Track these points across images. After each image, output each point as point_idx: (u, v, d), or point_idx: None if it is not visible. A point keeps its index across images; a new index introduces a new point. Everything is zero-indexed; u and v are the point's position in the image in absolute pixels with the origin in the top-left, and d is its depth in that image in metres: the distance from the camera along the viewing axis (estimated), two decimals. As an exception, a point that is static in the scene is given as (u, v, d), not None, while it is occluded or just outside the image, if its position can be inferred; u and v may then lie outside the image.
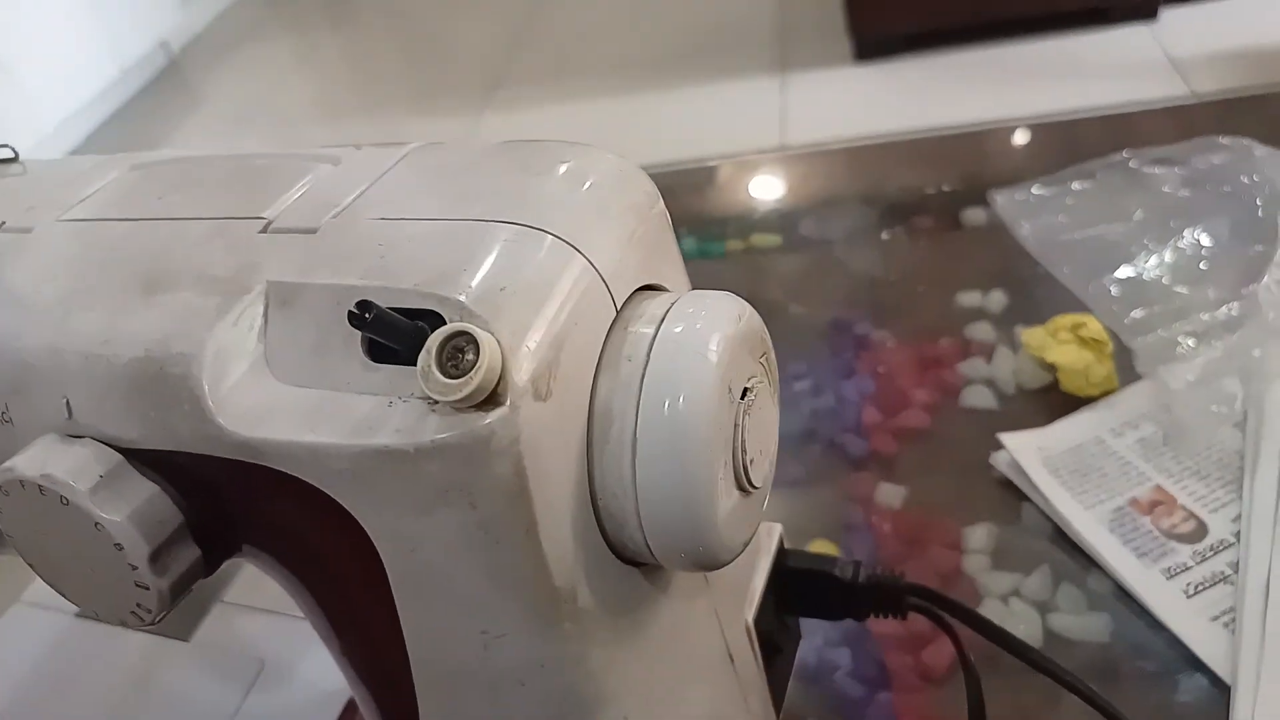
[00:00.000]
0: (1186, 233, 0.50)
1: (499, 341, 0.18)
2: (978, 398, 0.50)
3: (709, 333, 0.21)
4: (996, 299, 0.55)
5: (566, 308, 0.20)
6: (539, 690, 0.21)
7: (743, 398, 0.21)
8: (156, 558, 0.20)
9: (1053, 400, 0.48)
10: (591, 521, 0.21)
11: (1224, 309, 0.45)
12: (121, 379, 0.20)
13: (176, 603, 0.22)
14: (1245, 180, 0.51)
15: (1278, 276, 0.45)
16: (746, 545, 0.22)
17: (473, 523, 0.18)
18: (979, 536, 0.44)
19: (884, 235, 0.62)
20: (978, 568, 0.43)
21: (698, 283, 0.67)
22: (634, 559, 0.22)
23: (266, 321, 0.20)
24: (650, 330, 0.21)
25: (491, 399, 0.18)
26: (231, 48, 2.64)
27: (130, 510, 0.20)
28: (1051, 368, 0.48)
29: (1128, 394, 0.46)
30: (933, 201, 0.63)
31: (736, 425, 0.21)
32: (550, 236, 0.21)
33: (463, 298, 0.19)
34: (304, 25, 2.70)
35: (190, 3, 2.70)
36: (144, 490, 0.20)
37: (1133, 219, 0.52)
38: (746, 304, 0.23)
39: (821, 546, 0.46)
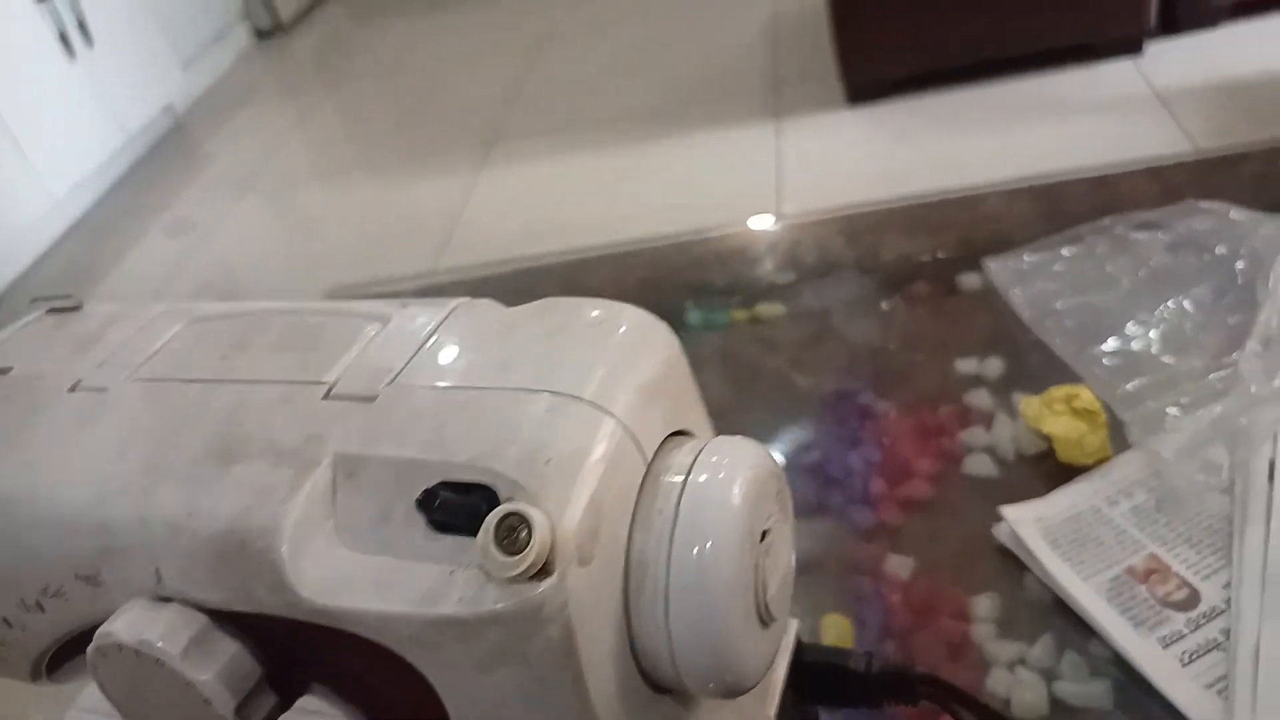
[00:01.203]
0: (1171, 301, 0.53)
1: (549, 517, 0.20)
2: (979, 466, 0.53)
3: (731, 481, 0.23)
4: (993, 366, 0.57)
5: (601, 471, 0.22)
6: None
7: (762, 539, 0.24)
8: (241, 709, 0.23)
9: (1051, 467, 0.51)
10: (630, 662, 0.23)
11: (1211, 377, 0.48)
12: (206, 550, 0.23)
13: (256, 743, 0.24)
14: (1223, 249, 0.53)
15: (1256, 346, 0.48)
16: (768, 669, 0.25)
17: (528, 678, 0.21)
18: (985, 606, 0.46)
19: (883, 304, 0.64)
20: (985, 636, 0.45)
21: (705, 354, 0.69)
22: (666, 688, 0.24)
23: (335, 492, 0.23)
24: (678, 480, 0.23)
25: (542, 570, 0.20)
26: (233, 109, 2.68)
27: (218, 669, 0.22)
28: (1048, 437, 0.50)
29: (1121, 462, 0.48)
30: (928, 268, 0.65)
31: (758, 566, 0.23)
32: (582, 403, 0.23)
33: (512, 473, 0.21)
34: (302, 86, 2.75)
35: (192, 67, 2.76)
36: (229, 649, 0.23)
37: (1120, 286, 0.55)
38: (763, 449, 0.25)
39: (835, 620, 0.48)
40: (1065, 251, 0.60)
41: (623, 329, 0.26)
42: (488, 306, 0.27)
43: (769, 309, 0.67)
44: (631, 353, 0.25)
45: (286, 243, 2.00)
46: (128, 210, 2.27)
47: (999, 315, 0.60)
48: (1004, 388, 0.56)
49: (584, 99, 2.11)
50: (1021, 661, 0.44)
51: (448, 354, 0.25)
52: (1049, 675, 0.43)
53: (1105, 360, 0.51)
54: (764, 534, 0.24)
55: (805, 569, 0.52)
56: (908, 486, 0.53)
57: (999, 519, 0.48)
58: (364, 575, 0.22)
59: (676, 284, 0.72)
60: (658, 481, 0.23)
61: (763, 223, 0.76)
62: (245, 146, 2.45)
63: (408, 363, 0.25)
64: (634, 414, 0.24)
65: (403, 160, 2.12)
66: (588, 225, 1.60)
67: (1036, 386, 0.53)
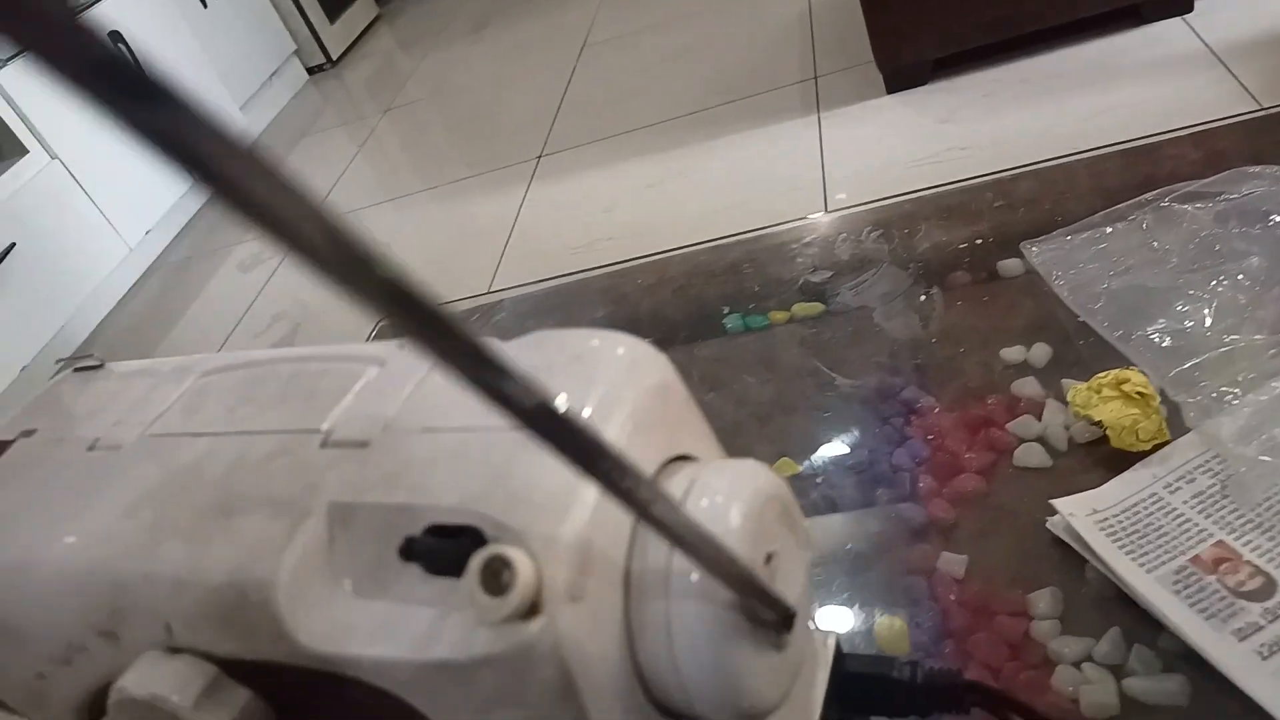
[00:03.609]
0: (1224, 274, 0.50)
1: (533, 556, 0.20)
2: (1031, 456, 0.51)
3: (728, 506, 0.23)
4: (1040, 352, 0.56)
5: (590, 508, 0.22)
6: None
7: (767, 563, 0.23)
8: (254, 758, 0.23)
9: (1107, 454, 0.49)
10: (638, 695, 0.22)
11: (1270, 353, 0.45)
12: (210, 603, 0.23)
13: (274, 789, 0.24)
14: (1277, 216, 0.51)
15: (1319, 314, 0.45)
16: (789, 692, 0.24)
17: (527, 719, 0.20)
18: (1045, 601, 0.45)
19: (922, 296, 0.63)
20: (1047, 634, 0.44)
21: (744, 359, 0.68)
22: (683, 714, 0.24)
23: (332, 540, 0.23)
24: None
25: (531, 610, 0.20)
26: (293, 143, 2.76)
27: (230, 718, 0.23)
28: (1100, 425, 0.48)
29: (1180, 446, 0.46)
30: (967, 256, 0.64)
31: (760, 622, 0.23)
32: (573, 436, 0.23)
33: (499, 514, 0.21)
34: (357, 115, 2.81)
35: (250, 107, 2.84)
36: (240, 697, 0.23)
37: (1169, 263, 0.53)
38: (764, 469, 0.24)
39: (889, 623, 0.47)
40: (1109, 229, 0.57)
41: (612, 360, 0.25)
42: (482, 343, 0.27)
43: (807, 308, 0.66)
44: (622, 383, 0.25)
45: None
46: (200, 250, 2.35)
47: (1042, 300, 0.58)
48: (1052, 375, 0.54)
49: (625, 106, 2.12)
50: (1088, 658, 0.42)
51: (439, 396, 0.25)
52: (1119, 672, 0.41)
53: (1156, 341, 0.49)
54: (769, 556, 0.23)
55: (857, 571, 0.51)
56: (958, 481, 0.52)
57: (1054, 512, 0.47)
58: (362, 621, 0.22)
59: (713, 289, 0.72)
60: None
61: (797, 220, 0.75)
62: (309, 177, 2.50)
63: (401, 406, 0.25)
64: (628, 444, 0.23)
65: (458, 178, 2.16)
66: (635, 231, 1.60)
67: (1086, 372, 0.51)
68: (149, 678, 0.23)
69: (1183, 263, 0.52)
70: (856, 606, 0.48)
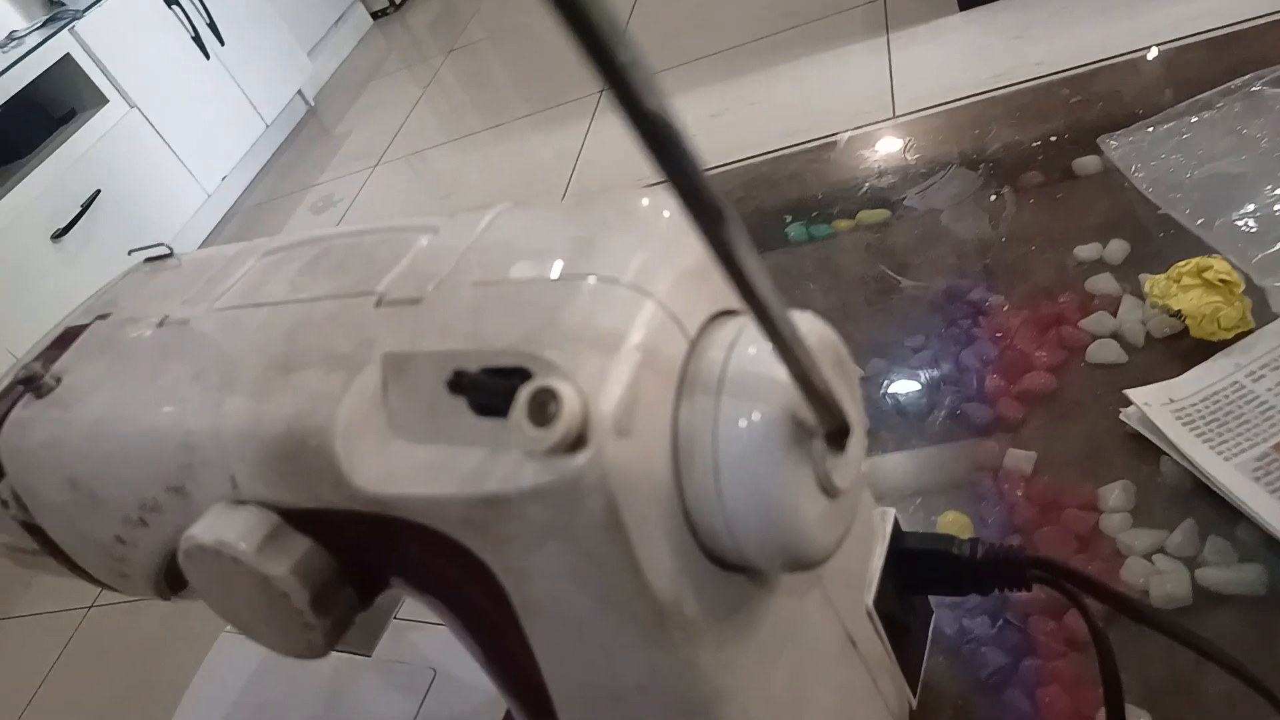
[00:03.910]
0: (1317, 155, 0.48)
1: (580, 390, 0.20)
2: (1105, 353, 0.49)
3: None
4: (1117, 249, 0.54)
5: (640, 349, 0.22)
6: (659, 695, 0.23)
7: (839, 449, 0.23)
8: (317, 601, 0.24)
9: (1185, 348, 0.47)
10: (688, 538, 0.23)
11: (1363, 234, 0.43)
12: (271, 453, 0.24)
13: (340, 635, 0.25)
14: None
15: None
16: (841, 542, 0.24)
17: (576, 554, 0.21)
18: (1116, 495, 0.44)
19: (992, 196, 0.61)
20: (1117, 526, 0.43)
21: (807, 267, 0.67)
22: (736, 565, 0.24)
23: (386, 390, 0.23)
24: (722, 355, 0.23)
25: (578, 443, 0.20)
26: (360, 88, 2.78)
27: (292, 564, 0.23)
28: (1179, 315, 0.46)
29: (1265, 334, 0.44)
30: (1041, 155, 0.61)
31: (814, 435, 0.22)
32: (621, 286, 0.23)
33: (547, 353, 0.21)
34: (422, 57, 2.82)
35: (317, 53, 2.87)
36: (301, 545, 0.24)
37: (1257, 148, 0.50)
38: (819, 320, 0.24)
39: (953, 519, 0.47)
40: (1193, 119, 0.55)
41: (666, 215, 0.25)
42: (532, 208, 0.27)
43: (872, 215, 0.65)
44: (674, 238, 0.24)
45: (421, 207, 2.06)
46: (274, 194, 2.40)
47: (1120, 196, 0.55)
48: (1130, 270, 0.52)
49: (687, 36, 2.08)
50: (1160, 550, 0.41)
51: (491, 253, 0.25)
52: (1191, 563, 0.40)
53: (1242, 227, 0.47)
54: (820, 403, 0.23)
55: (921, 472, 0.50)
56: (1027, 379, 0.51)
57: (1127, 404, 0.45)
58: (415, 464, 0.22)
59: (775, 200, 0.70)
60: (702, 357, 0.23)
61: (862, 127, 0.73)
62: (376, 120, 2.54)
63: (454, 266, 0.25)
64: (675, 294, 0.23)
65: (521, 115, 2.15)
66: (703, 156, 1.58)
67: (1164, 266, 0.49)
68: (215, 526, 0.24)
69: (1273, 146, 0.49)
70: (920, 502, 0.48)
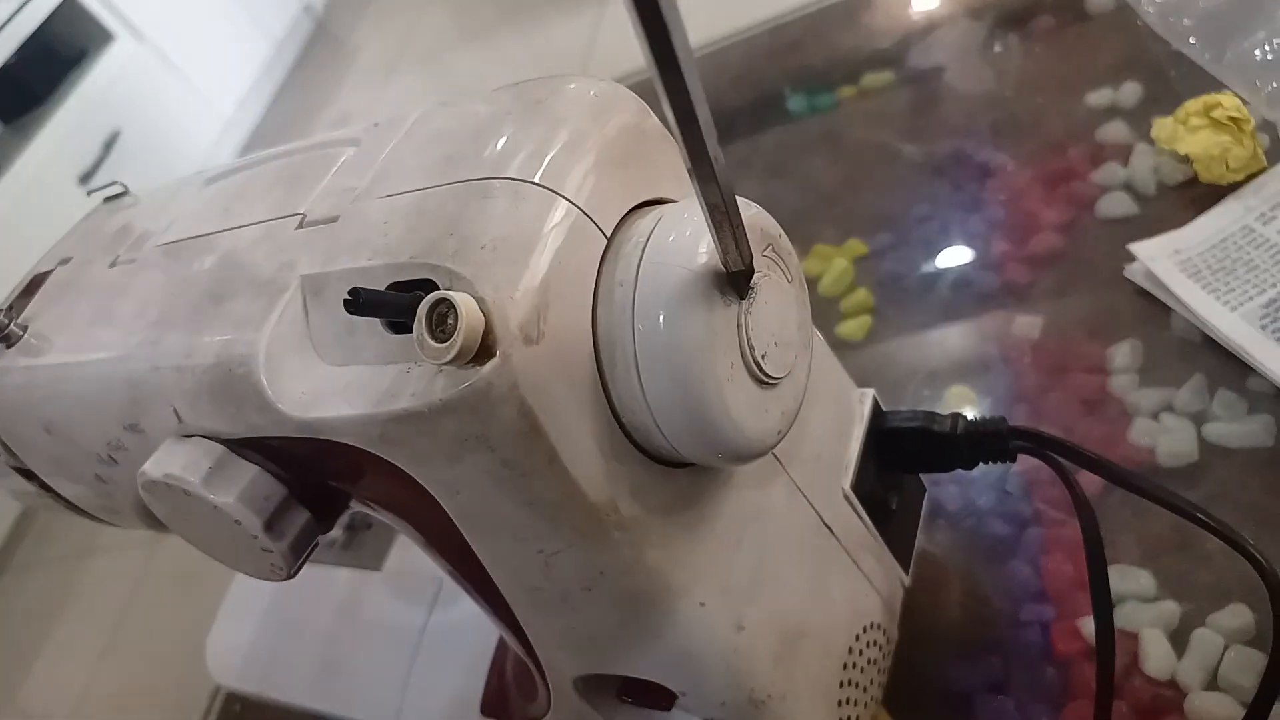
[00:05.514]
0: (1339, -30, 0.44)
1: (482, 299, 0.20)
2: (1116, 206, 0.47)
3: (694, 242, 0.21)
4: (1130, 92, 0.51)
5: (549, 252, 0.21)
6: (606, 594, 0.23)
7: (744, 297, 0.22)
8: (270, 526, 0.24)
9: (1197, 194, 0.44)
10: (619, 438, 0.22)
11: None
12: (204, 385, 0.24)
13: (304, 557, 0.25)
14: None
15: None
16: (784, 433, 0.23)
17: (497, 463, 0.21)
18: (1124, 355, 0.42)
19: (998, 47, 0.57)
20: (1125, 387, 0.41)
21: (809, 142, 0.65)
22: (680, 462, 0.24)
23: (307, 313, 0.23)
24: (637, 251, 0.22)
25: (484, 353, 0.20)
26: (368, -5, 2.72)
27: (238, 492, 0.24)
28: (1187, 159, 0.44)
29: (1277, 173, 0.42)
30: (1050, -2, 0.58)
31: (739, 325, 0.22)
32: (529, 185, 0.22)
33: (450, 263, 0.20)
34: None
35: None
36: (247, 473, 0.24)
37: (1275, -32, 0.46)
38: (747, 205, 0.23)
39: (959, 392, 0.46)
40: (1211, -60, 0.50)
41: (582, 100, 0.24)
42: (453, 106, 0.26)
43: (876, 79, 0.62)
44: (586, 124, 0.23)
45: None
46: (292, 115, 2.38)
47: (1133, 36, 0.52)
48: (1142, 115, 0.49)
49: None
50: (1168, 408, 0.40)
51: (405, 162, 0.24)
52: (1199, 419, 0.39)
53: (1255, 56, 0.43)
54: (749, 288, 0.22)
55: (924, 341, 0.49)
56: (1035, 241, 0.49)
57: (1132, 260, 0.43)
58: (336, 385, 0.22)
59: (775, 72, 0.68)
60: (618, 253, 0.22)
61: (863, -13, 0.69)
62: (387, 29, 2.49)
63: (371, 180, 0.25)
64: (592, 190, 0.22)
65: (536, 5, 2.09)
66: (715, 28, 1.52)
67: (1178, 108, 0.46)
68: (163, 460, 0.24)
69: (1290, -35, 0.45)
70: (927, 378, 0.47)
